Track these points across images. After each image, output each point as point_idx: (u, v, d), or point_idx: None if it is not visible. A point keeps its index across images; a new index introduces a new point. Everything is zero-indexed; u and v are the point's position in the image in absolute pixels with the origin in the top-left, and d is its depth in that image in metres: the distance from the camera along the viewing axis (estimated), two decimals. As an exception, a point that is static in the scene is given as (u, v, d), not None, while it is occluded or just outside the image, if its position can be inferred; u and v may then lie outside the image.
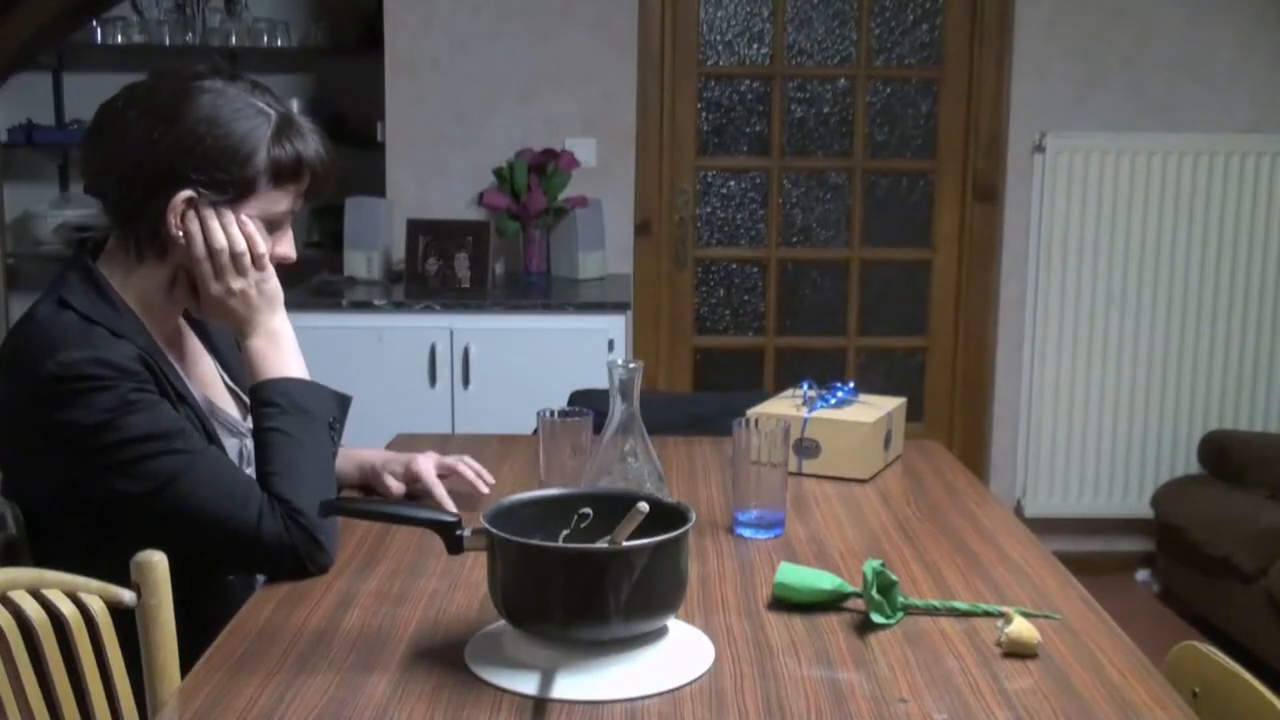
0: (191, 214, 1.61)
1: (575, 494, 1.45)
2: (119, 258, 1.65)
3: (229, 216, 1.62)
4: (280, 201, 1.65)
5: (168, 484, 1.54)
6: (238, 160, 1.60)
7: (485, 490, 1.86)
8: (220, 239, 1.61)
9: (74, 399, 1.52)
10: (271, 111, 1.63)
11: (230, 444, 1.71)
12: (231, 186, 1.61)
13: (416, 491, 1.87)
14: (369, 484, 1.91)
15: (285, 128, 1.63)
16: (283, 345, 1.68)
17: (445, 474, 1.86)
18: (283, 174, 1.63)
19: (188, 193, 1.59)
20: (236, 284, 1.64)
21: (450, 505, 1.80)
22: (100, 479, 1.54)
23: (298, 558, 1.55)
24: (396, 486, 1.86)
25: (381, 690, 1.26)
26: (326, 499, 1.56)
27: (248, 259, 1.63)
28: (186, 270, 1.64)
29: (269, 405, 1.64)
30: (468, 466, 1.87)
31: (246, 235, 1.63)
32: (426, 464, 1.85)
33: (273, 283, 1.68)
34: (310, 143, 1.65)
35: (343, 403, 1.72)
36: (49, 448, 1.56)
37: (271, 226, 1.67)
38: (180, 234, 1.61)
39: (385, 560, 1.63)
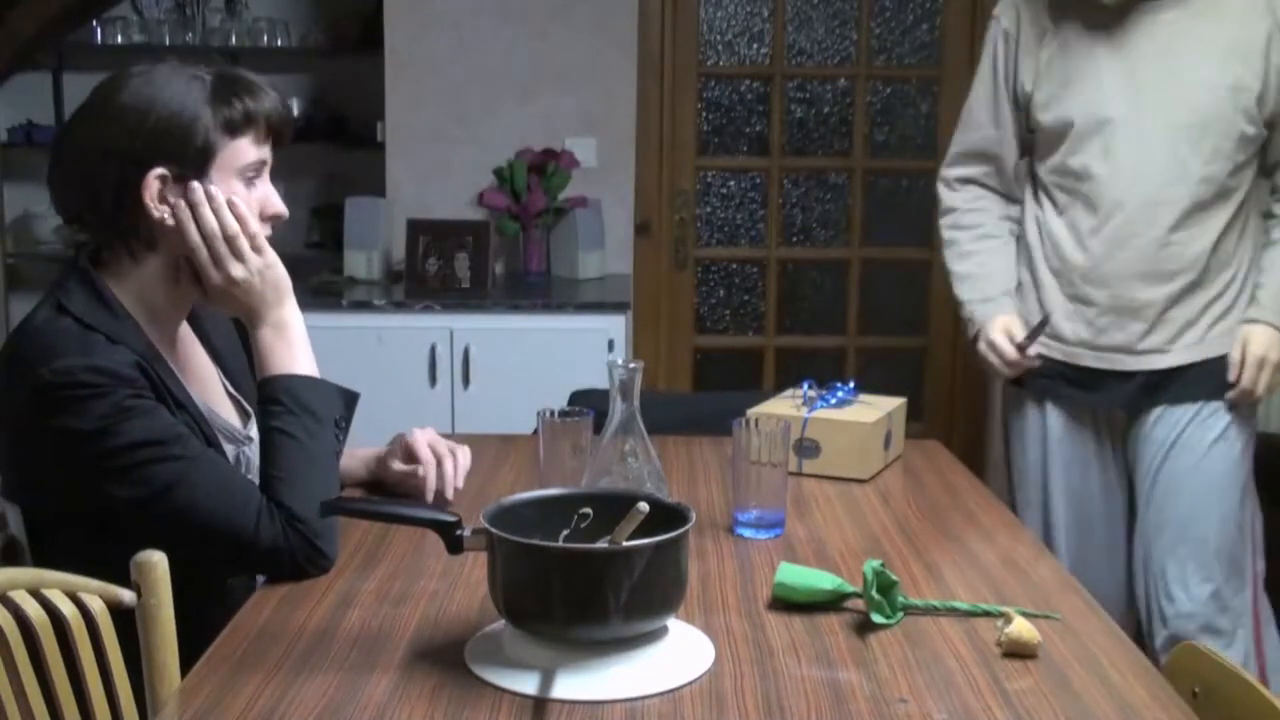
0: (182, 204, 1.60)
1: (575, 494, 1.45)
2: (115, 263, 1.65)
3: (219, 200, 1.61)
4: (246, 152, 1.63)
5: (165, 490, 1.53)
6: (182, 126, 1.59)
7: (446, 494, 1.83)
8: (211, 222, 1.60)
9: (70, 406, 1.52)
10: (205, 75, 1.63)
11: (228, 450, 1.70)
12: (190, 155, 1.60)
13: (409, 489, 1.88)
14: (377, 480, 1.91)
15: (223, 84, 1.62)
16: (290, 338, 1.67)
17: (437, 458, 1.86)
18: (235, 126, 1.62)
19: (158, 171, 1.59)
20: (238, 272, 1.63)
21: (435, 486, 1.81)
22: (98, 485, 1.54)
23: (295, 563, 1.55)
24: (400, 468, 1.87)
25: (381, 690, 1.26)
26: (327, 499, 1.56)
27: (243, 242, 1.62)
28: (189, 261, 1.64)
29: (274, 403, 1.63)
30: (451, 466, 1.85)
31: (238, 216, 1.62)
32: (421, 438, 1.86)
33: (276, 270, 1.66)
34: (255, 91, 1.64)
35: (349, 399, 1.71)
36: (47, 454, 1.56)
37: (251, 184, 1.65)
38: (163, 216, 1.60)
39: (385, 560, 1.62)
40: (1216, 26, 2.28)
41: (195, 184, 1.60)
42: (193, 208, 1.60)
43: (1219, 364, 2.36)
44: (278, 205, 1.68)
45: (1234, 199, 2.33)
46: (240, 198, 1.63)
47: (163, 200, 1.60)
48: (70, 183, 1.64)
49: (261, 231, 1.65)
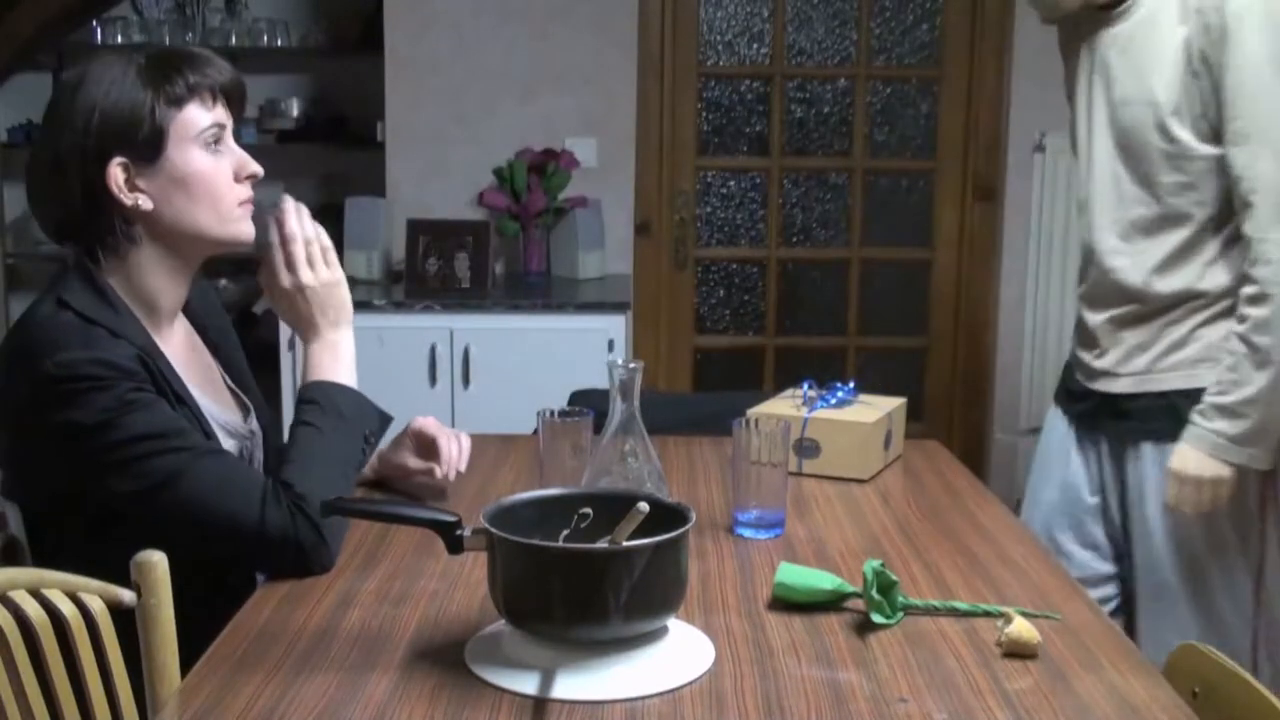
0: (270, 219, 1.68)
1: (575, 494, 1.45)
2: (108, 261, 1.66)
3: (305, 212, 1.70)
4: (197, 119, 1.64)
5: (168, 482, 1.54)
6: (125, 114, 1.60)
7: (447, 475, 1.87)
8: (293, 227, 1.69)
9: (72, 399, 1.52)
10: (138, 59, 1.64)
11: (228, 445, 1.71)
12: (142, 139, 1.61)
13: (418, 485, 1.88)
14: (380, 479, 1.92)
15: (156, 64, 1.64)
16: (339, 356, 1.72)
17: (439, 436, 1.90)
18: (178, 99, 1.63)
19: (117, 160, 1.60)
20: (307, 277, 1.70)
21: (452, 459, 1.86)
22: (100, 479, 1.55)
23: (301, 549, 1.55)
24: (417, 465, 1.89)
25: (381, 690, 1.26)
26: (337, 496, 1.56)
27: (317, 249, 1.70)
28: (267, 258, 1.71)
29: (308, 403, 1.67)
30: (457, 449, 1.88)
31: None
32: (431, 422, 1.90)
33: (342, 290, 1.74)
34: (192, 61, 1.66)
35: (383, 419, 1.74)
36: (48, 448, 1.56)
37: (217, 153, 1.66)
38: (137, 201, 1.62)
39: (385, 560, 1.63)
40: (1145, 38, 2.14)
41: (286, 196, 1.71)
42: (282, 214, 1.69)
43: (1183, 401, 2.15)
44: (253, 166, 1.72)
45: (1189, 224, 2.13)
46: (209, 167, 1.65)
47: (133, 188, 1.62)
48: (45, 199, 1.66)
49: (332, 247, 1.74)
